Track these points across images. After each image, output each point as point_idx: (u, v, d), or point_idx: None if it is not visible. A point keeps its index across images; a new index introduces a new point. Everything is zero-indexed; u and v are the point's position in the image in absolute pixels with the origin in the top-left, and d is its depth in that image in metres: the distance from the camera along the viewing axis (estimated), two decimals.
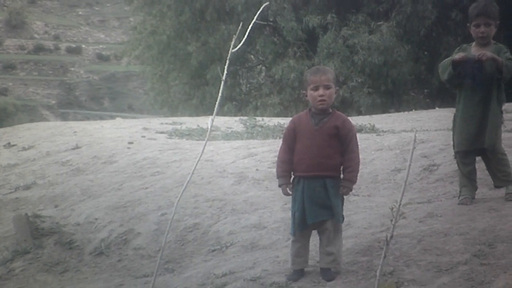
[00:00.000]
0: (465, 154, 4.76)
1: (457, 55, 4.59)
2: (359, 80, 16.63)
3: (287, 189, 3.92)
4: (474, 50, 4.66)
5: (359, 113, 15.45)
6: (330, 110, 3.91)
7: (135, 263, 5.24)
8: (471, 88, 4.66)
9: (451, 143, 4.95)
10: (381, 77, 17.15)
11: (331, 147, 3.83)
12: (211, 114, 3.84)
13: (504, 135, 4.97)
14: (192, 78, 20.18)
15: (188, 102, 20.18)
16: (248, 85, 20.54)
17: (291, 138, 3.93)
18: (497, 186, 4.83)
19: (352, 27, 17.16)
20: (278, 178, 3.96)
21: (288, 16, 17.28)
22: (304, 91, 3.94)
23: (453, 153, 5.01)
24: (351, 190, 3.92)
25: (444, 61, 4.73)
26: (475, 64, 4.55)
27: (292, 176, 3.94)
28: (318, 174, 3.82)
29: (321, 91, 3.84)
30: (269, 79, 18.91)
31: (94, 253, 5.51)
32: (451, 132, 4.95)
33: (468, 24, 4.75)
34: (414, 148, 3.39)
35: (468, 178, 4.76)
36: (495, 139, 4.68)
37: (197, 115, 14.29)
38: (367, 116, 12.06)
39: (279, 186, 3.96)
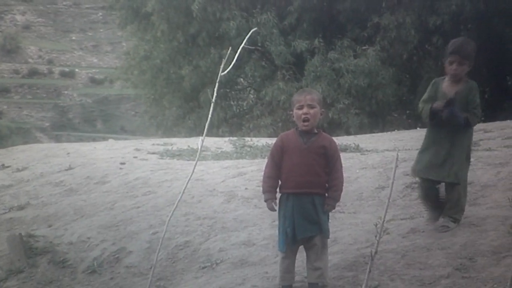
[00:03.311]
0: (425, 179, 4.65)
1: (435, 104, 4.47)
2: (346, 102, 16.86)
3: (273, 204, 4.01)
4: (445, 86, 4.57)
5: (348, 133, 15.58)
6: (316, 131, 4.03)
7: (127, 281, 5.30)
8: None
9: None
10: (366, 99, 17.40)
11: (319, 166, 3.95)
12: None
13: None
14: (186, 101, 20.28)
15: (183, 125, 20.27)
16: (238, 107, 20.70)
17: (278, 155, 4.03)
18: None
19: (338, 51, 17.40)
20: (264, 193, 4.04)
21: (277, 40, 17.51)
22: (291, 112, 4.07)
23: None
24: (334, 208, 4.04)
25: (424, 103, 4.58)
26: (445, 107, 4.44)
27: (279, 193, 4.03)
28: (307, 191, 3.93)
29: (305, 110, 3.97)
30: (259, 102, 19.07)
31: (87, 272, 5.58)
32: None
33: (443, 58, 4.72)
34: (397, 166, 3.53)
35: (428, 203, 4.70)
36: (458, 174, 4.54)
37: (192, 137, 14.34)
38: (352, 136, 12.11)
39: (265, 201, 4.04)
